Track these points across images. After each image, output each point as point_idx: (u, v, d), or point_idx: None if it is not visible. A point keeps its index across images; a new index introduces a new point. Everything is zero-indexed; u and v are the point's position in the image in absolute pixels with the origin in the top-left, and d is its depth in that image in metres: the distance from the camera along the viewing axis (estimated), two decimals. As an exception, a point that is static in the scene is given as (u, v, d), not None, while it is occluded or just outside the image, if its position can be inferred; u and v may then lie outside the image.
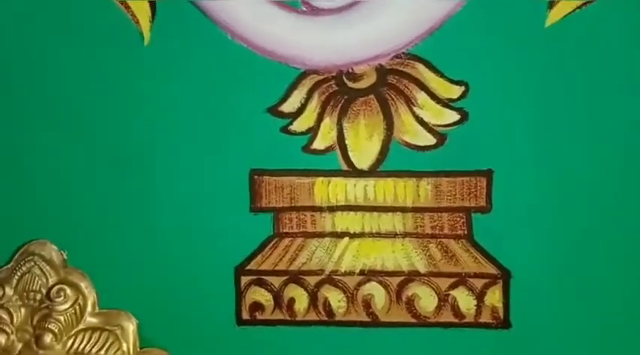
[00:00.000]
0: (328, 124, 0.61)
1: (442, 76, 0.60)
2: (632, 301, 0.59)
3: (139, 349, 0.62)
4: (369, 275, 0.61)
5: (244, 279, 0.61)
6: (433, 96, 0.60)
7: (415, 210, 0.60)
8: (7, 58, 0.62)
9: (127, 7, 0.60)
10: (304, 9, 0.60)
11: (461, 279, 0.60)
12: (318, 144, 0.61)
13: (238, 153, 0.61)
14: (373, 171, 0.61)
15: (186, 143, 0.61)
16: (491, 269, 0.60)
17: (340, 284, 0.61)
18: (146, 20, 0.60)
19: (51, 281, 0.62)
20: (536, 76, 0.59)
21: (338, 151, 0.61)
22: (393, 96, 0.60)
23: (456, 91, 0.59)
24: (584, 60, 0.58)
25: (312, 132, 0.61)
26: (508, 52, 0.59)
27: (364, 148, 0.60)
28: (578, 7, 0.58)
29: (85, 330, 0.62)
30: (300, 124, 0.61)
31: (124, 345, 0.61)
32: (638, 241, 0.59)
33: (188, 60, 0.61)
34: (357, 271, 0.61)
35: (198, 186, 0.61)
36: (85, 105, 0.62)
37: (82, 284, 0.62)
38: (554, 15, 0.58)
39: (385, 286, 0.61)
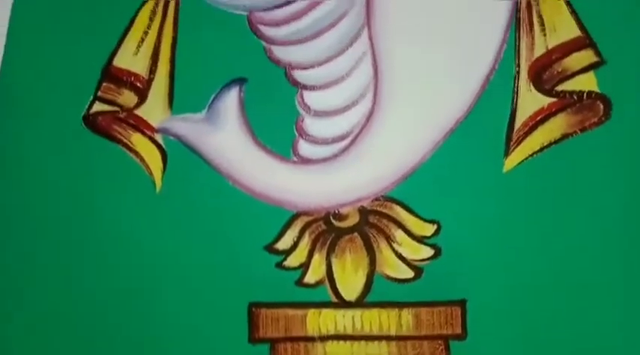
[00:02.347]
0: (318, 260, 0.64)
1: (416, 215, 0.63)
2: None
3: None
4: (358, 402, 0.63)
5: (243, 409, 0.63)
6: (409, 233, 0.63)
7: (398, 338, 0.62)
8: (16, 205, 0.66)
9: (142, 159, 0.64)
10: (295, 159, 0.64)
11: (442, 404, 0.63)
12: (310, 278, 0.63)
13: (238, 287, 0.63)
14: (360, 303, 0.63)
15: (191, 278, 0.63)
16: (470, 394, 0.62)
17: (332, 413, 0.63)
18: (158, 171, 0.65)
19: None
20: (498, 215, 0.62)
21: (327, 284, 0.63)
22: (374, 234, 0.63)
23: (429, 229, 0.63)
24: (539, 200, 0.62)
25: (304, 267, 0.63)
26: (473, 194, 0.62)
27: (351, 281, 0.63)
28: (530, 155, 0.62)
29: None
30: (293, 260, 0.63)
31: None
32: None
33: (195, 204, 0.64)
34: (348, 399, 0.63)
35: (202, 319, 0.63)
36: (97, 246, 0.64)
37: None
38: (510, 162, 0.63)
39: (373, 413, 0.63)
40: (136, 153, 0.65)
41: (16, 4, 0.67)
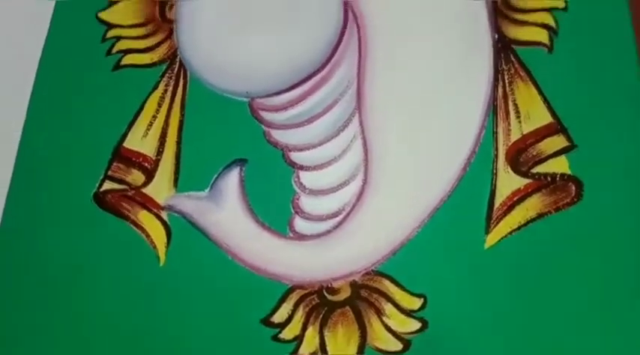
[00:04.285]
0: (312, 333, 0.65)
1: (404, 289, 0.65)
2: None
3: None
4: None
5: None
6: (398, 307, 0.65)
7: (389, 409, 0.64)
8: (26, 274, 0.68)
9: (147, 235, 0.68)
10: (291, 235, 0.68)
11: None
12: (304, 350, 0.65)
13: (237, 358, 0.65)
14: (352, 374, 0.65)
15: (191, 350, 0.65)
16: None
17: None
18: (162, 245, 0.68)
19: None
20: (481, 288, 0.64)
21: (320, 356, 0.66)
22: (365, 307, 0.65)
23: (416, 303, 0.65)
24: (518, 274, 0.64)
25: (298, 339, 0.65)
26: (457, 269, 0.65)
27: (343, 354, 0.65)
28: (509, 233, 0.65)
29: None
30: (288, 333, 0.65)
31: None
32: None
33: (196, 278, 0.66)
34: None
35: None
36: (102, 316, 0.66)
37: None
38: (491, 239, 0.65)
39: None
40: (142, 229, 0.68)
41: (36, 84, 0.72)
